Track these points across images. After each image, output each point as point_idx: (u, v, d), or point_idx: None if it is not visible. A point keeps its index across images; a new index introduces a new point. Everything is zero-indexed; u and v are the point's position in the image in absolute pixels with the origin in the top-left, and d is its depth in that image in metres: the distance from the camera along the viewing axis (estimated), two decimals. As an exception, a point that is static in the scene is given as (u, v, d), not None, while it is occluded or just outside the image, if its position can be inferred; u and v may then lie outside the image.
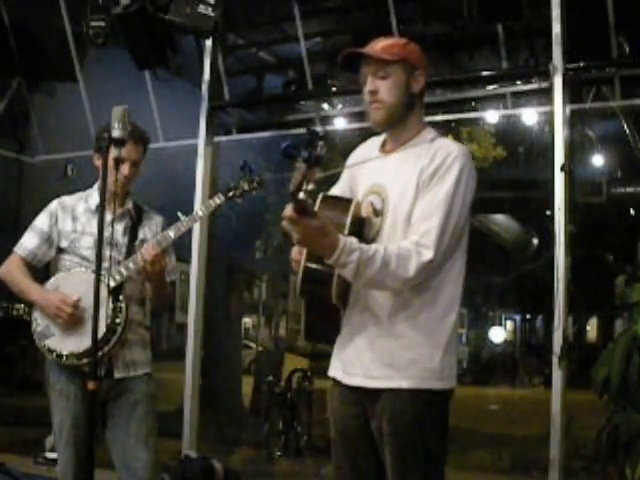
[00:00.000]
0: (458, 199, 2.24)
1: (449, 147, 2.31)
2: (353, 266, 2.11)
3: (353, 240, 2.14)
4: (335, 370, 2.44)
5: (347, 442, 2.38)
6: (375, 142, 2.50)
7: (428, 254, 2.17)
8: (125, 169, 3.03)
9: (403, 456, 2.25)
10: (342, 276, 2.19)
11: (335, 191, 2.52)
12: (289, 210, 2.01)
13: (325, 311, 2.32)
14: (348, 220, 2.24)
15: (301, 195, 1.95)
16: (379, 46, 2.34)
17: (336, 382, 2.43)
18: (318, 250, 2.12)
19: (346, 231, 2.20)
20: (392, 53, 2.32)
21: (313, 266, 2.21)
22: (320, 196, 2.32)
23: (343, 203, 2.33)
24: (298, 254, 2.31)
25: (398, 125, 2.37)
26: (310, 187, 1.95)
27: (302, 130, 6.32)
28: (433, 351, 2.26)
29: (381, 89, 2.32)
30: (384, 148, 2.44)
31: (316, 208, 2.22)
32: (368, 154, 2.48)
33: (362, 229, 2.32)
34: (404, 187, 2.28)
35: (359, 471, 2.37)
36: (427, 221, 2.21)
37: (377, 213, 2.33)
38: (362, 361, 2.31)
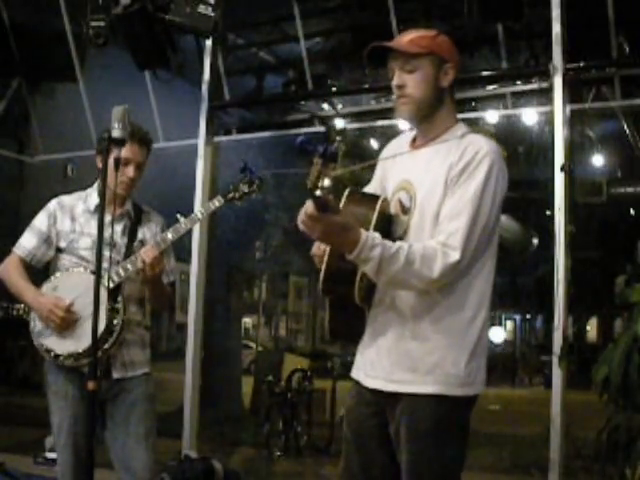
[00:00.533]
0: (487, 197, 2.16)
1: (479, 143, 2.22)
2: (375, 262, 2.04)
3: (376, 235, 2.07)
4: (357, 371, 2.38)
5: (360, 442, 2.33)
6: (407, 137, 2.42)
7: (455, 255, 2.10)
8: (130, 171, 3.03)
9: (419, 464, 2.19)
10: (365, 275, 2.14)
11: (368, 189, 2.47)
12: (310, 207, 1.97)
13: (350, 309, 2.25)
14: (374, 217, 2.18)
15: (318, 192, 1.91)
16: (407, 39, 2.26)
17: (356, 382, 2.38)
18: (339, 246, 2.07)
19: (372, 228, 2.13)
20: (420, 46, 2.23)
21: (336, 265, 2.15)
22: (347, 191, 2.27)
23: (370, 199, 2.27)
24: (319, 249, 2.26)
25: (427, 120, 2.29)
26: (327, 183, 1.91)
27: (302, 130, 6.35)
28: (458, 356, 2.18)
29: (408, 83, 2.24)
30: (414, 144, 2.37)
31: (342, 204, 2.20)
32: (399, 149, 2.41)
33: (389, 226, 2.26)
34: (432, 184, 2.21)
35: (368, 472, 2.32)
36: (454, 221, 2.13)
37: (405, 210, 2.26)
38: (383, 363, 2.25)
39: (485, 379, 2.25)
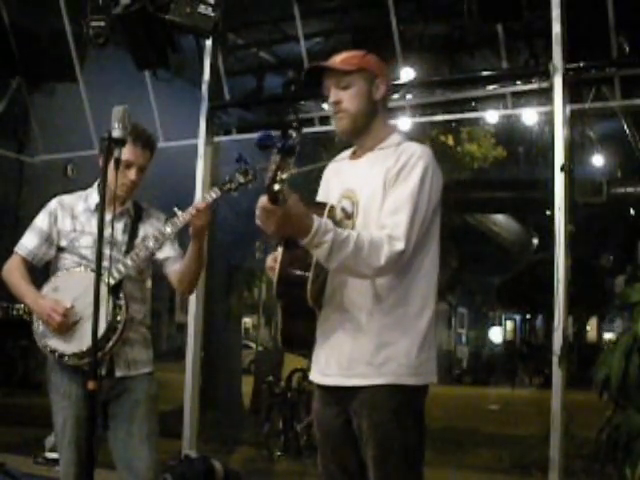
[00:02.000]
0: (424, 195, 2.31)
1: (413, 147, 2.40)
2: (327, 246, 2.14)
3: (328, 222, 2.20)
4: (314, 374, 2.49)
5: (332, 443, 2.43)
6: (346, 153, 2.59)
7: (399, 245, 2.23)
8: (132, 174, 3.03)
9: (383, 452, 2.30)
10: (317, 276, 2.25)
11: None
12: (264, 201, 2.06)
13: (301, 315, 2.35)
14: None
15: (276, 186, 2.00)
16: (339, 59, 2.43)
17: (317, 384, 2.48)
18: (294, 233, 2.16)
19: None
20: (351, 64, 2.41)
21: (288, 267, 2.25)
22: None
23: (319, 205, 2.40)
24: (273, 261, 2.38)
25: (363, 132, 2.45)
26: (284, 176, 2.00)
27: (302, 130, 6.34)
28: (409, 348, 2.32)
29: (344, 99, 2.41)
30: (354, 155, 2.53)
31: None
32: (339, 165, 2.57)
33: None
34: (373, 189, 2.36)
35: (346, 471, 2.42)
36: (395, 215, 2.28)
37: (349, 216, 2.40)
38: (339, 360, 2.36)
39: (436, 370, 2.39)
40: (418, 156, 2.35)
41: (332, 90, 2.43)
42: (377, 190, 2.35)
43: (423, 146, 2.43)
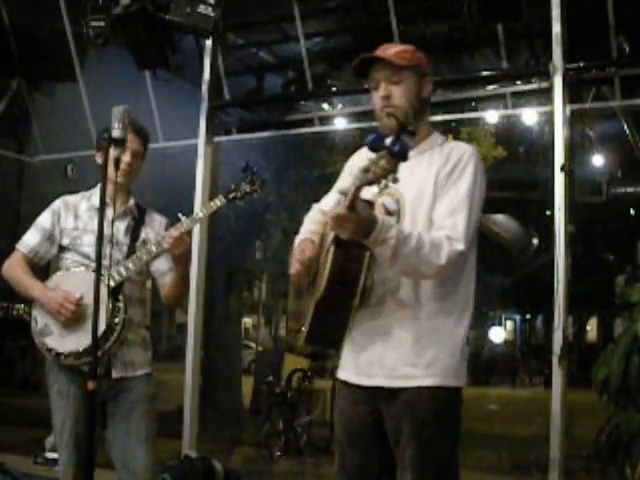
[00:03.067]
0: (477, 195, 2.31)
1: (462, 147, 2.39)
2: (393, 242, 2.11)
3: (389, 219, 2.20)
4: (347, 372, 2.43)
5: (357, 442, 2.39)
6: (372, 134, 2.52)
7: (459, 245, 2.23)
8: (126, 156, 2.99)
9: (425, 453, 2.26)
10: (368, 276, 2.21)
11: (328, 198, 2.56)
12: (342, 210, 2.03)
13: (335, 314, 2.30)
14: None
15: (376, 189, 1.96)
16: (392, 51, 2.37)
17: (346, 383, 2.43)
18: (364, 234, 2.12)
19: None
20: (406, 59, 2.36)
21: (342, 266, 2.20)
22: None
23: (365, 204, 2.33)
24: (304, 253, 2.34)
25: None
26: (391, 182, 1.95)
27: (301, 130, 6.35)
28: (453, 349, 2.32)
29: (394, 94, 2.36)
30: None
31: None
32: (365, 159, 2.49)
33: None
34: (421, 188, 2.32)
35: (366, 472, 2.38)
36: (453, 217, 2.26)
37: (390, 213, 2.34)
38: (383, 362, 2.32)
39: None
40: (469, 155, 2.34)
41: (382, 84, 2.37)
42: (426, 189, 2.31)
43: (470, 145, 2.43)
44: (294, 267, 2.36)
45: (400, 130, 1.96)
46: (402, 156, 1.92)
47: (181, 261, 3.04)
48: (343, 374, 2.45)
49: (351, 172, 2.49)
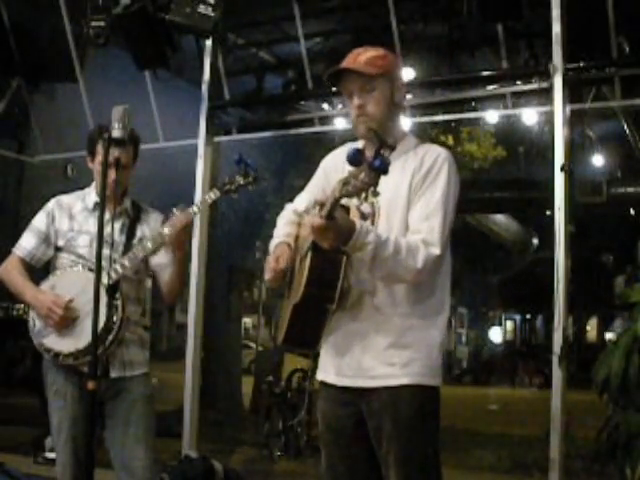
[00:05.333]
0: (451, 198, 2.34)
1: (435, 150, 2.40)
2: (372, 247, 2.14)
3: (367, 224, 2.23)
4: (326, 373, 2.47)
5: (340, 442, 2.42)
6: (349, 148, 2.50)
7: (436, 249, 2.25)
8: (112, 173, 2.95)
9: (407, 451, 2.29)
10: (345, 278, 2.24)
11: (301, 197, 2.59)
12: (318, 221, 2.06)
13: (312, 315, 2.34)
14: None
15: (357, 202, 2.00)
16: (363, 59, 2.36)
17: (326, 384, 2.47)
18: (342, 241, 2.14)
19: None
20: (376, 66, 2.35)
21: (319, 270, 2.24)
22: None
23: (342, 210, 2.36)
24: (275, 262, 2.39)
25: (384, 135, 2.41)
26: (373, 197, 2.00)
27: (301, 130, 6.35)
28: (430, 349, 2.35)
29: (368, 102, 2.37)
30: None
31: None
32: (340, 161, 2.47)
33: None
34: (395, 191, 2.33)
35: (353, 469, 2.41)
36: (428, 221, 2.28)
37: (365, 217, 2.35)
38: (361, 362, 2.35)
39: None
40: (443, 159, 2.35)
41: (355, 93, 2.38)
42: (401, 193, 2.33)
43: (443, 148, 2.44)
44: (268, 274, 2.41)
45: (380, 145, 1.96)
46: (382, 170, 1.94)
47: (182, 248, 3.04)
48: (321, 374, 2.49)
49: (326, 174, 2.54)
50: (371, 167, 1.93)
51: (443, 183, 2.32)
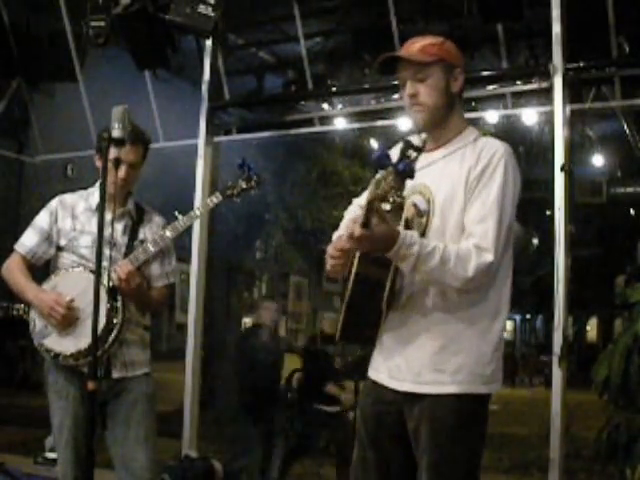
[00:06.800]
0: (508, 198, 2.24)
1: (494, 145, 2.30)
2: (412, 259, 2.11)
3: (414, 234, 2.15)
4: (376, 372, 2.42)
5: (376, 439, 2.37)
6: (413, 138, 2.45)
7: (489, 256, 2.18)
8: (121, 171, 2.97)
9: (441, 460, 2.23)
10: (395, 280, 2.21)
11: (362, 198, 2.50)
12: (357, 229, 2.02)
13: (366, 313, 2.30)
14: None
15: (387, 206, 1.95)
16: (416, 47, 2.30)
17: (374, 383, 2.42)
18: (382, 250, 2.11)
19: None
20: (430, 54, 2.28)
21: (367, 268, 2.20)
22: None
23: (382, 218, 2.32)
24: (336, 250, 2.29)
25: (440, 126, 2.34)
26: (398, 199, 1.94)
27: (301, 130, 6.35)
28: (482, 356, 2.27)
29: (421, 92, 2.29)
30: (426, 148, 2.39)
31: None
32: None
33: (407, 229, 2.28)
34: (451, 188, 2.26)
35: (384, 468, 2.36)
36: (483, 223, 2.20)
37: (421, 214, 2.29)
38: (411, 366, 2.30)
39: (502, 378, 2.32)
40: (500, 155, 2.25)
41: (408, 81, 2.30)
42: (457, 190, 2.25)
43: (502, 143, 2.33)
44: (328, 263, 2.33)
45: (405, 147, 1.93)
46: (407, 175, 1.90)
47: (130, 296, 3.00)
48: (372, 373, 2.44)
49: None
50: (396, 171, 1.89)
51: (500, 182, 2.22)
